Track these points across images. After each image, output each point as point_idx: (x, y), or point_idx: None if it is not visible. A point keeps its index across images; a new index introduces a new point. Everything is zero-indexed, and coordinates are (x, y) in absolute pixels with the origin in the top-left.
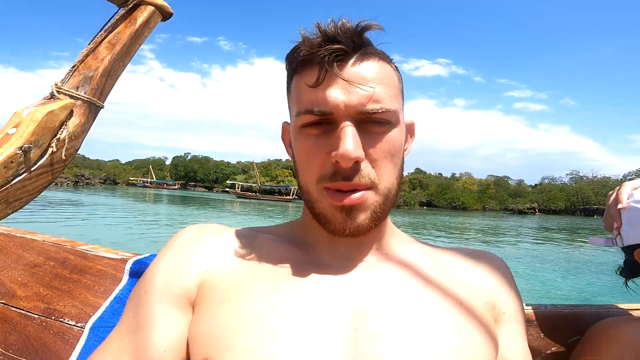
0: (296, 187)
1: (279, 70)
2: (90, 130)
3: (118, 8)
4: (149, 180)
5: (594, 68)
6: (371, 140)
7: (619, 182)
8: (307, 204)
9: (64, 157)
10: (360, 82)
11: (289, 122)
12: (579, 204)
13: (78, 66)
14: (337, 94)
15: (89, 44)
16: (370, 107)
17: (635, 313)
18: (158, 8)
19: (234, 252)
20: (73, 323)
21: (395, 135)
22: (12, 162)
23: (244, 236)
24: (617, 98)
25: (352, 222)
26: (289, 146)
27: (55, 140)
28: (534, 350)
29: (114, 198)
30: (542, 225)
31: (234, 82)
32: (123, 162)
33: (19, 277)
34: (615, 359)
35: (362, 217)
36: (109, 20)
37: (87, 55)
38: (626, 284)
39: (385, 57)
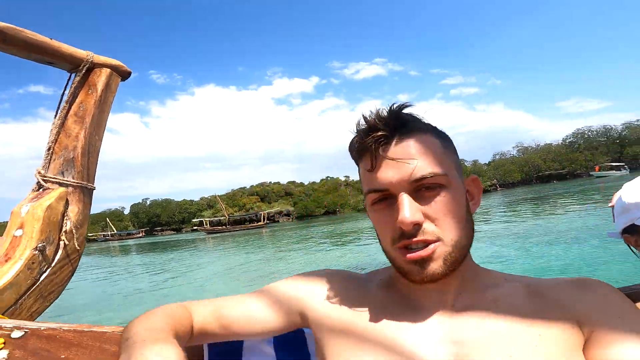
0: (266, 211)
1: (222, 96)
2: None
3: (70, 73)
4: (109, 233)
5: (513, 47)
6: (427, 203)
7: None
8: (390, 262)
9: (77, 247)
10: (404, 158)
11: None
12: (532, 172)
13: (53, 147)
14: (388, 173)
15: (55, 118)
16: (416, 176)
17: None
18: (114, 69)
19: (336, 295)
20: None
21: (447, 194)
22: (33, 262)
23: (345, 279)
24: (539, 72)
25: (425, 272)
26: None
27: (64, 234)
28: None
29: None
30: (509, 200)
31: (178, 116)
32: None
33: None
34: None
35: (435, 266)
36: (65, 89)
37: (58, 134)
38: None
39: (423, 128)
